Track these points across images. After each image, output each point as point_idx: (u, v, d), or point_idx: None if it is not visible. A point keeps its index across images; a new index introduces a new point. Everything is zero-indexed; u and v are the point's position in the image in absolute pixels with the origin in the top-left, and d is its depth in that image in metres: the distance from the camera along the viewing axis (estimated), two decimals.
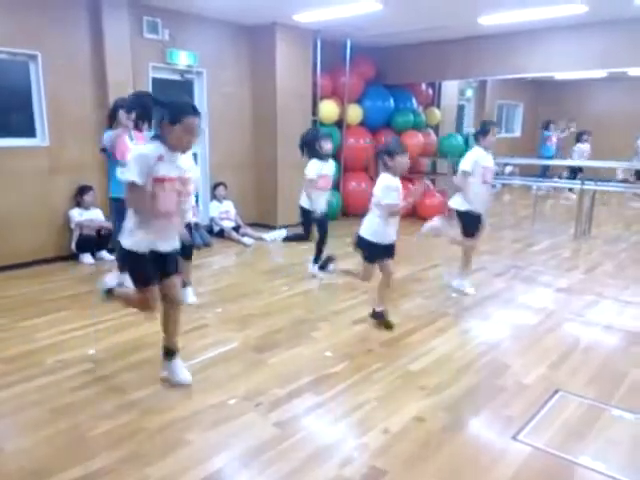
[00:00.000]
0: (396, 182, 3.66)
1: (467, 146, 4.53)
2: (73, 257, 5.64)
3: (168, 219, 2.77)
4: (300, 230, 5.30)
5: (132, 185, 2.61)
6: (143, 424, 2.59)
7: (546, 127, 11.40)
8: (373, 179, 3.83)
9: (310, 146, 4.86)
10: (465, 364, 3.31)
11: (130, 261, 2.79)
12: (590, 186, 7.39)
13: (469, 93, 12.29)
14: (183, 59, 6.42)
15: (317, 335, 3.75)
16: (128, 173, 2.61)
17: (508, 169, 11.84)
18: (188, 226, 3.87)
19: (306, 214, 4.99)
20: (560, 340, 3.72)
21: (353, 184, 8.33)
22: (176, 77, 6.62)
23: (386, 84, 8.55)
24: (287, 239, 6.23)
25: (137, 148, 2.70)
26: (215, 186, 6.95)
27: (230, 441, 2.48)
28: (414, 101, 8.90)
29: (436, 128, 9.73)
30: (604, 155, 10.73)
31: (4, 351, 3.41)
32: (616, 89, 13.09)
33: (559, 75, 11.07)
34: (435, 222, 4.83)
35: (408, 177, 7.05)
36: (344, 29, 7.16)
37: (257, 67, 7.20)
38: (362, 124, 8.30)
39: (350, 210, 8.49)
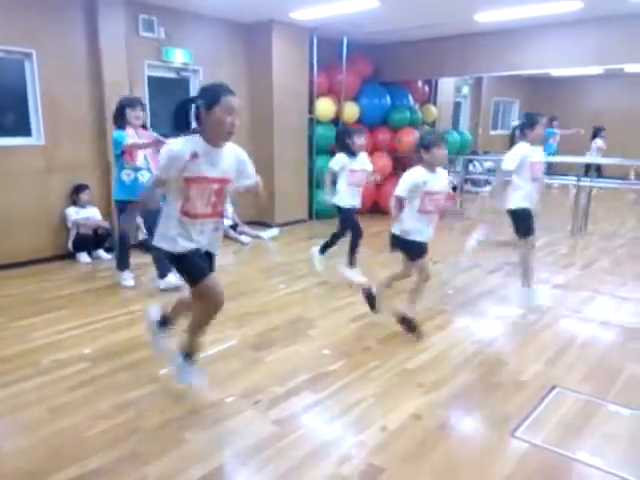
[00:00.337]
0: (427, 177, 3.38)
1: (512, 142, 4.28)
2: (70, 256, 5.63)
3: (203, 223, 2.59)
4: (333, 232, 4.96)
5: (154, 179, 2.58)
6: (140, 423, 2.58)
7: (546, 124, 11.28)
8: None
9: (342, 140, 4.78)
10: (462, 361, 3.31)
11: (178, 261, 2.61)
12: (586, 183, 7.41)
13: (465, 90, 12.29)
14: (179, 57, 6.40)
15: (314, 333, 3.75)
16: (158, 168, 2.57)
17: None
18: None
19: (340, 212, 4.83)
20: (557, 336, 3.73)
21: None
22: (172, 75, 6.61)
23: (382, 81, 8.55)
24: (323, 250, 5.08)
25: (171, 143, 2.51)
26: None
27: (228, 439, 2.48)
28: (411, 98, 8.89)
29: (433, 125, 9.74)
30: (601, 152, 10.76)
31: (0, 350, 3.40)
32: (612, 86, 13.12)
33: (555, 72, 11.08)
34: (479, 233, 4.58)
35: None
36: (340, 26, 7.15)
37: (253, 65, 7.19)
38: (359, 121, 8.29)
39: None
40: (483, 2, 5.97)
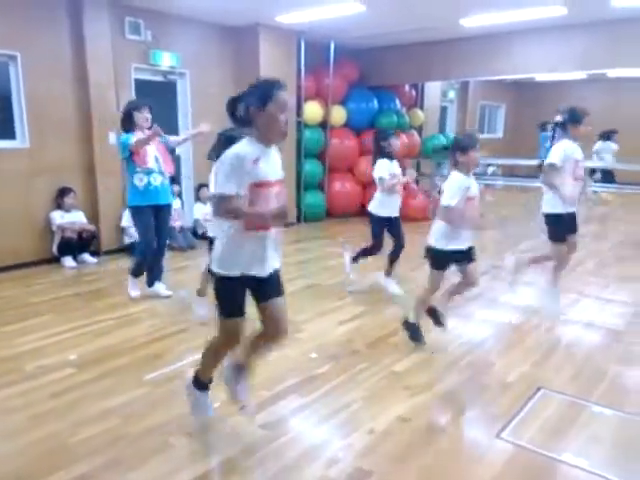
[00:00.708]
0: (468, 182, 3.26)
1: (553, 139, 4.07)
2: (54, 260, 5.58)
3: (266, 233, 2.30)
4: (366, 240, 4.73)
5: (221, 197, 2.18)
6: (126, 429, 2.56)
7: (543, 128, 10.86)
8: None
9: (378, 144, 4.48)
10: (449, 363, 3.33)
11: (218, 285, 2.34)
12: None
13: (452, 94, 12.40)
14: (166, 60, 6.38)
15: (302, 336, 3.74)
16: (217, 183, 2.21)
17: (490, 169, 11.92)
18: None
19: (375, 221, 4.55)
20: (542, 338, 3.76)
21: (338, 185, 8.35)
22: (159, 78, 6.58)
23: (370, 85, 8.59)
24: (355, 259, 4.82)
25: (231, 148, 2.22)
26: (199, 188, 6.89)
27: (216, 444, 2.46)
28: (397, 102, 8.95)
29: (419, 129, 9.80)
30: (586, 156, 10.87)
31: None
32: (595, 90, 13.29)
33: (539, 77, 11.19)
34: (511, 262, 4.44)
35: None
36: (327, 31, 7.19)
37: (241, 68, 7.18)
38: (346, 125, 8.33)
39: (334, 211, 8.51)
40: (468, 7, 6.03)
